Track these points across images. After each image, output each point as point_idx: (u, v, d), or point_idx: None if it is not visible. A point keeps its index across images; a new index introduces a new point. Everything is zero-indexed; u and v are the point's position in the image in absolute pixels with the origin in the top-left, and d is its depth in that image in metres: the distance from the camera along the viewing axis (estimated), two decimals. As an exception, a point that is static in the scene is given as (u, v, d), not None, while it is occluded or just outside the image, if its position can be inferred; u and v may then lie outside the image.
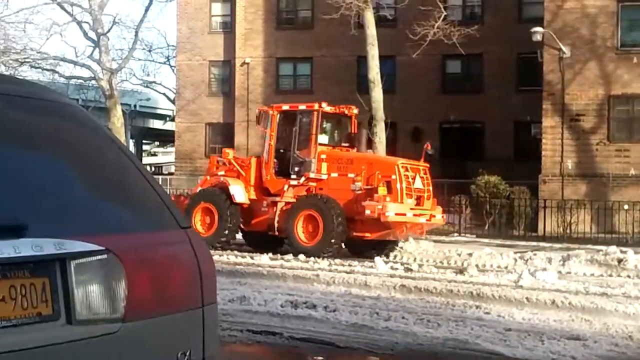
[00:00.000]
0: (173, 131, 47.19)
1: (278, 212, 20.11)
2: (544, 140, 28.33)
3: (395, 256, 19.29)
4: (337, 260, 18.66)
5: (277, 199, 20.37)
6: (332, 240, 19.00)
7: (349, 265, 17.90)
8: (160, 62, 53.49)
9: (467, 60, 35.00)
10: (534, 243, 22.62)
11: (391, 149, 31.21)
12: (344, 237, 19.39)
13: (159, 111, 61.13)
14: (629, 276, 16.34)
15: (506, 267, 17.35)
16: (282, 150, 21.09)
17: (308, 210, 19.58)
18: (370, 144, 24.26)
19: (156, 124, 62.71)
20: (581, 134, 27.93)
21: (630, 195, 26.14)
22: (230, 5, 39.79)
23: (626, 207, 25.24)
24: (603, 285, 15.25)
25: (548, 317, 12.18)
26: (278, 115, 21.15)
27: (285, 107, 21.76)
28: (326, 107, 20.91)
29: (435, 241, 22.02)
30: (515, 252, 19.09)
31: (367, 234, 19.37)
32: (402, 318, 11.75)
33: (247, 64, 38.64)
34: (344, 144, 21.80)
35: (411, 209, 19.32)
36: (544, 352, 10.02)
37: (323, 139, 21.12)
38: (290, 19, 38.88)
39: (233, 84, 39.43)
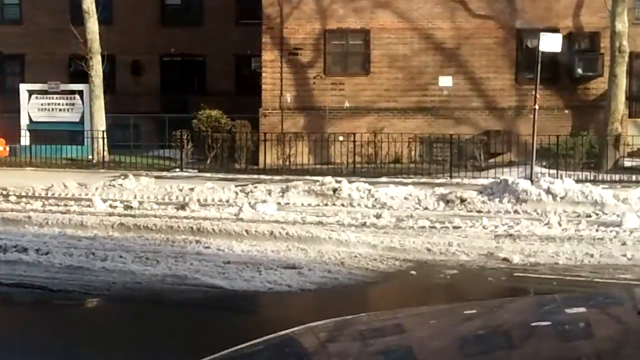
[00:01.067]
0: None
1: None
2: (263, 74, 28.74)
3: (114, 194, 18.93)
4: (52, 201, 18.12)
5: None
6: None
7: (65, 205, 17.41)
8: None
9: (187, -9, 34.79)
10: (255, 176, 23.07)
11: (110, 83, 30.58)
12: None
13: None
14: (343, 205, 17.06)
15: (227, 201, 17.55)
16: None
17: None
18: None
19: None
20: (299, 67, 28.61)
21: (344, 127, 27.18)
22: None
23: (341, 138, 26.24)
24: (319, 214, 15.89)
25: (266, 248, 12.52)
26: None
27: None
28: None
29: (156, 177, 21.93)
30: (237, 186, 19.34)
31: None
32: (120, 257, 11.66)
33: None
34: None
35: None
36: (261, 282, 10.31)
37: None
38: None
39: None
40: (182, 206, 17.13)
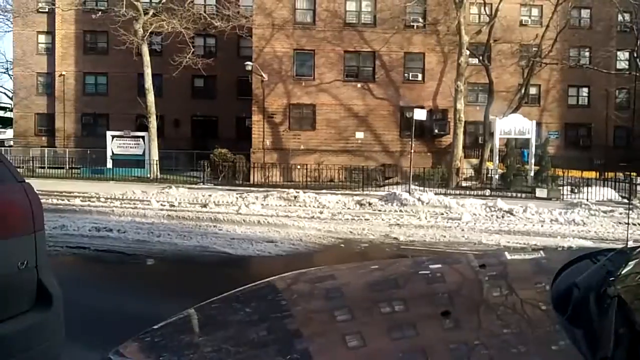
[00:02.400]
0: (11, 118, 43.94)
1: None
2: (253, 129, 28.69)
3: (163, 198, 18.70)
4: (126, 201, 17.86)
5: None
6: None
7: (134, 204, 17.17)
8: (1, 72, 52.78)
9: (207, 79, 34.55)
10: (248, 188, 22.97)
11: (160, 132, 30.29)
12: None
13: (1, 104, 56.26)
14: (300, 206, 17.09)
15: (232, 202, 17.47)
16: None
17: None
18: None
19: (-1, 112, 57.37)
20: (274, 125, 28.61)
21: (301, 160, 27.24)
22: (52, 36, 36.35)
23: (299, 167, 26.33)
24: (286, 211, 15.89)
25: (255, 230, 12.51)
26: None
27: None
28: None
29: (188, 188, 21.71)
30: (237, 193, 19.25)
31: None
32: (168, 235, 11.60)
33: (63, 75, 35.71)
34: None
35: None
36: (253, 250, 10.33)
37: None
38: (92, 47, 36.13)
39: (54, 88, 36.18)
40: (205, 205, 17.02)
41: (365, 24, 28.66)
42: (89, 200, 17.72)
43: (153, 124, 28.35)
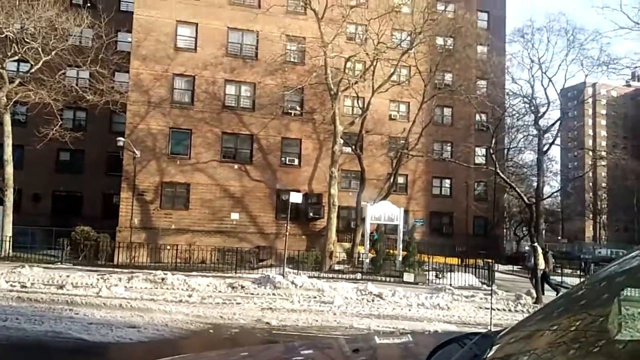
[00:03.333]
0: None
1: None
2: (121, 206, 27.50)
3: (14, 278, 17.01)
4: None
5: None
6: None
7: (-24, 284, 15.45)
8: None
9: (75, 152, 32.95)
10: (111, 269, 21.60)
11: (17, 206, 28.01)
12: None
13: None
14: (167, 288, 16.34)
15: (92, 284, 16.28)
16: None
17: None
18: None
19: None
20: (144, 203, 27.64)
21: (172, 240, 26.33)
22: None
23: (168, 247, 25.35)
24: (152, 294, 15.08)
25: (117, 314, 11.72)
26: None
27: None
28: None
29: (44, 268, 19.99)
30: (99, 275, 18.01)
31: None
32: (16, 319, 10.51)
33: None
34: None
35: None
36: (112, 336, 9.62)
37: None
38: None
39: None
40: (61, 286, 15.74)
41: (244, 107, 29.22)
42: None
43: (10, 197, 26.23)
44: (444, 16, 30.09)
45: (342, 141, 26.53)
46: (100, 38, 26.84)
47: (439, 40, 31.20)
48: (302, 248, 26.45)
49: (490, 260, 24.99)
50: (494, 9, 39.34)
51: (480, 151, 37.46)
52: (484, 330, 2.66)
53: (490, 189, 38.95)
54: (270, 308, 13.61)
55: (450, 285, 19.78)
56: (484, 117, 35.02)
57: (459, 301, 16.23)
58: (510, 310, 15.54)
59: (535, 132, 38.45)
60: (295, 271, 20.91)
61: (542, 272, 18.52)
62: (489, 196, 39.18)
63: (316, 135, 29.92)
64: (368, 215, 25.68)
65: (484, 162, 36.14)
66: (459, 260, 27.73)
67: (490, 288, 19.45)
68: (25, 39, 25.81)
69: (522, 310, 15.55)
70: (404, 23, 27.13)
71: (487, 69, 34.04)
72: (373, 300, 15.32)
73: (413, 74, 29.98)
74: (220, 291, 16.32)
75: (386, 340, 3.96)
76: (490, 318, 7.14)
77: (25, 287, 15.43)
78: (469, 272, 23.53)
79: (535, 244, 19.64)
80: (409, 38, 27.70)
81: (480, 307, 15.45)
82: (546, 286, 18.79)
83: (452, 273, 22.57)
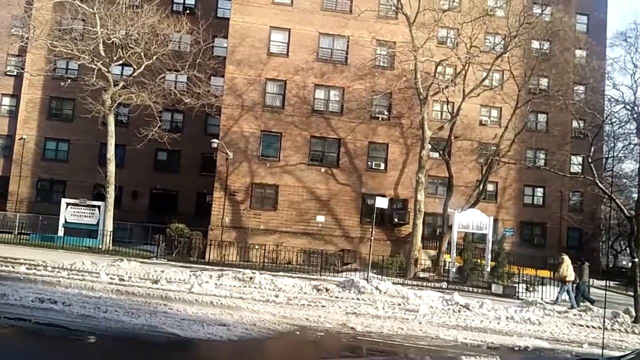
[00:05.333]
0: None
1: None
2: (213, 205, 28.43)
3: (114, 271, 18.02)
4: (74, 272, 17.12)
5: None
6: None
7: (82, 275, 16.47)
8: None
9: (171, 153, 34.33)
10: (202, 266, 22.44)
11: (117, 202, 29.68)
12: None
13: None
14: (255, 287, 16.71)
15: (184, 280, 16.93)
16: None
17: None
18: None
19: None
20: (235, 203, 28.43)
21: (260, 240, 26.93)
22: (17, 100, 36.05)
23: (257, 247, 25.97)
24: (241, 292, 15.48)
25: (208, 311, 12.08)
26: None
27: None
28: None
29: (141, 262, 21.04)
30: (191, 271, 18.76)
31: None
32: (115, 311, 11.07)
33: (24, 138, 35.12)
34: None
35: None
36: (204, 333, 9.91)
37: None
38: (57, 113, 35.88)
39: (12, 150, 35.50)
40: (156, 281, 16.45)
41: (332, 112, 29.40)
42: (35, 269, 16.92)
43: (111, 194, 27.83)
44: (541, 19, 28.82)
45: (429, 146, 26.11)
46: (198, 43, 27.93)
47: (535, 44, 29.98)
48: (386, 253, 26.26)
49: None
50: (595, 11, 37.26)
51: (577, 159, 35.68)
52: (594, 352, 2.50)
53: (587, 200, 36.97)
54: (355, 313, 13.58)
55: (542, 299, 18.95)
56: (581, 124, 33.30)
57: (551, 316, 15.51)
58: (606, 329, 14.63)
59: (636, 140, 36.07)
60: (379, 277, 20.77)
61: (568, 282, 19.09)
62: (584, 207, 37.22)
63: (403, 140, 29.62)
64: (455, 223, 25.08)
65: (580, 171, 34.39)
66: (552, 273, 26.47)
67: (584, 304, 18.51)
68: (130, 45, 27.34)
69: (620, 330, 14.63)
70: (498, 26, 26.32)
71: (586, 73, 32.32)
72: (459, 311, 14.93)
73: (506, 78, 29.02)
74: (305, 292, 16.48)
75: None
76: (602, 340, 6.72)
77: (123, 280, 16.25)
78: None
79: (580, 261, 20.45)
80: (502, 42, 26.84)
81: (574, 324, 14.69)
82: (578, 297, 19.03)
83: (544, 287, 21.60)
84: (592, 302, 19.08)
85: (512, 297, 20.03)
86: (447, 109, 29.03)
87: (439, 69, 25.67)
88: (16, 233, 28.98)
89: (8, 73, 36.05)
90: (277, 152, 28.99)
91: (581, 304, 18.78)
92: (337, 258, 26.26)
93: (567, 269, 19.23)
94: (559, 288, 19.79)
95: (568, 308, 17.54)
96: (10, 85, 36.50)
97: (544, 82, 32.59)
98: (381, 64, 29.45)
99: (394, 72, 28.55)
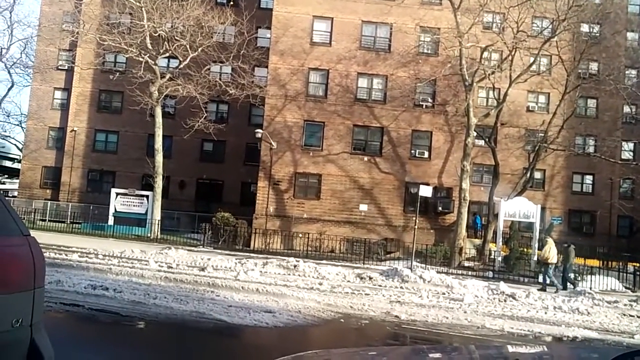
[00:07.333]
0: (19, 169, 44.49)
1: None
2: (258, 194, 28.75)
3: (162, 259, 18.47)
4: (124, 260, 17.63)
5: None
6: None
7: (132, 263, 16.94)
8: (14, 124, 54.11)
9: (217, 143, 34.77)
10: (247, 254, 22.76)
11: (165, 192, 30.32)
12: None
13: (10, 155, 56.79)
14: (299, 275, 16.87)
15: (230, 268, 17.23)
16: None
17: None
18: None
19: (7, 163, 58.44)
20: (279, 192, 28.68)
21: (303, 229, 27.09)
22: (68, 93, 37.21)
23: (300, 235, 26.13)
24: (285, 280, 15.63)
25: (254, 298, 12.24)
26: None
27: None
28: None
29: (188, 250, 21.50)
30: (236, 259, 19.06)
31: None
32: (165, 298, 11.33)
33: (75, 131, 36.22)
34: None
35: None
36: (250, 320, 10.05)
37: None
38: (106, 106, 36.85)
39: (64, 142, 36.68)
40: (203, 269, 16.79)
41: (375, 100, 29.24)
42: (87, 257, 17.50)
43: (159, 184, 28.44)
44: (591, 1, 27.85)
45: (475, 134, 25.67)
46: (242, 35, 28.17)
47: (585, 27, 29.00)
48: (430, 242, 26.07)
49: (636, 264, 23.01)
50: (649, -9, 35.75)
51: (628, 146, 34.50)
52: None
53: (638, 187, 35.71)
54: (399, 301, 13.55)
55: (591, 288, 18.48)
56: (633, 109, 32.16)
57: (600, 306, 15.12)
58: (660, 321, 14.18)
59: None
60: (423, 265, 20.66)
61: (551, 264, 18.71)
62: (636, 194, 35.96)
63: (447, 128, 29.23)
64: (502, 211, 24.65)
65: (631, 157, 33.25)
66: (601, 262, 25.77)
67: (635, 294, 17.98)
68: (175, 37, 27.78)
69: (675, 322, 14.14)
70: (546, 10, 25.55)
71: (639, 57, 31.17)
72: (505, 301, 14.73)
73: (555, 63, 28.20)
74: (349, 281, 16.54)
75: (550, 349, 3.72)
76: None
77: (171, 267, 16.65)
78: (611, 276, 21.79)
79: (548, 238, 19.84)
80: (550, 26, 26.08)
81: (624, 314, 14.28)
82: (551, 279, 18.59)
83: (593, 276, 21.04)
84: (574, 285, 18.80)
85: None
86: (493, 95, 28.47)
87: (485, 54, 25.17)
88: (68, 222, 30.03)
89: (60, 67, 37.27)
90: (320, 141, 29.06)
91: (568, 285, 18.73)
92: (380, 247, 26.22)
93: (549, 250, 18.88)
94: (542, 270, 19.32)
95: (553, 292, 17.34)
96: (61, 79, 37.71)
97: (594, 66, 31.55)
98: (425, 50, 29.09)
99: (438, 58, 28.15)
